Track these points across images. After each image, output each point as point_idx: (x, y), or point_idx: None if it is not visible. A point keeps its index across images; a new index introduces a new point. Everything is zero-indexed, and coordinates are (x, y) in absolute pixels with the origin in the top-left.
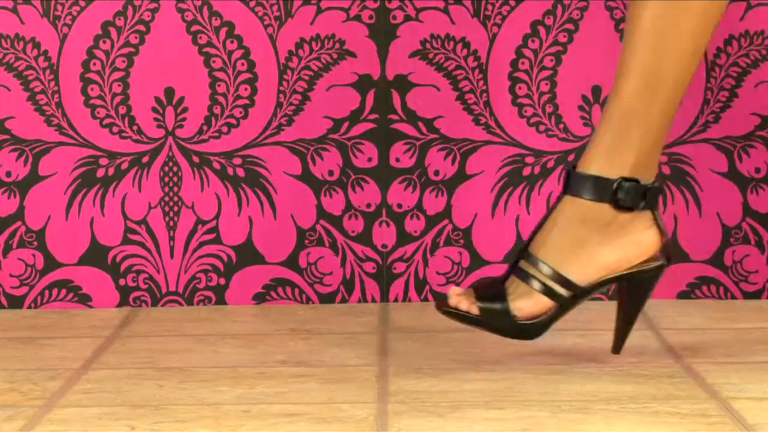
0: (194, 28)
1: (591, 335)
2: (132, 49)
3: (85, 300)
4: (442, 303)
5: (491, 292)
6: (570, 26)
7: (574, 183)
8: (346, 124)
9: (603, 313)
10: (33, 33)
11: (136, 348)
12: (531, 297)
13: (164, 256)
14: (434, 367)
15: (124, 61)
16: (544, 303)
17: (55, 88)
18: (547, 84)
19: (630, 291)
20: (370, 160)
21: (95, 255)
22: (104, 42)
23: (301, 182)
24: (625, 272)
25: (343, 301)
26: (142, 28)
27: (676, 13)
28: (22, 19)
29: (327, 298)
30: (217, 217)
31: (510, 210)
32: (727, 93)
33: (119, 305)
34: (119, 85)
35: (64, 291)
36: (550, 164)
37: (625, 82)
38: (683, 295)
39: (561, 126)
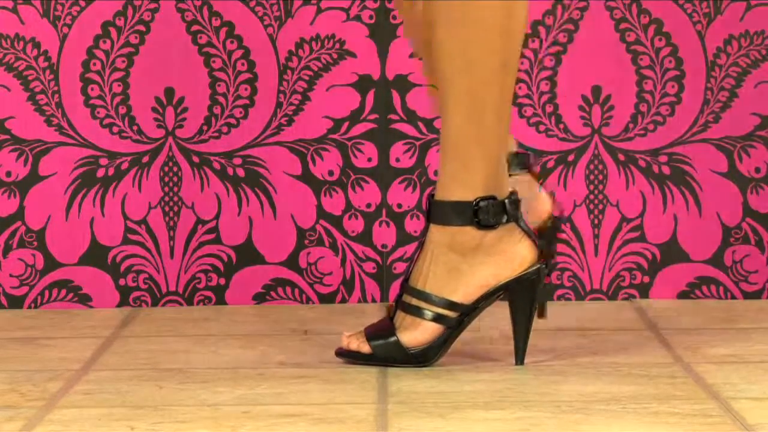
0: (194, 28)
1: (591, 335)
2: (132, 49)
3: (85, 300)
4: (337, 349)
5: (379, 330)
6: (570, 26)
7: (436, 212)
8: (346, 124)
9: (603, 313)
10: (33, 33)
11: (136, 348)
12: (417, 326)
13: (164, 256)
14: (434, 368)
15: (124, 61)
16: (431, 329)
17: (55, 88)
18: (547, 84)
19: (516, 298)
20: (370, 160)
21: (95, 255)
22: (104, 42)
23: (301, 182)
24: (506, 281)
25: (343, 301)
26: (142, 28)
27: (474, 36)
28: (22, 19)
29: (327, 298)
30: (217, 217)
31: None
32: (727, 93)
33: (119, 305)
34: (119, 85)
35: (64, 291)
36: (550, 164)
37: (451, 114)
38: (683, 295)
39: (561, 126)
